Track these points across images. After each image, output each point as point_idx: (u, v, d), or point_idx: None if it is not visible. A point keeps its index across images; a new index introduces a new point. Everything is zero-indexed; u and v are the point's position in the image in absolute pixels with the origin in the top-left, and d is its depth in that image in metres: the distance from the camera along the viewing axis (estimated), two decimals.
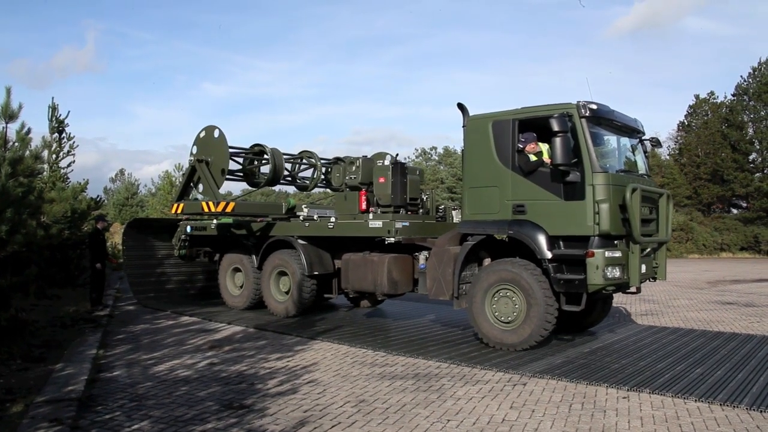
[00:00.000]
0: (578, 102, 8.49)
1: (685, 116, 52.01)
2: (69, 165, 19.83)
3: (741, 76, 50.10)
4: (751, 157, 47.91)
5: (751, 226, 44.70)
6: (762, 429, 5.47)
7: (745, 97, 48.38)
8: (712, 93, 50.95)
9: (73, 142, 19.76)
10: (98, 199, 21.28)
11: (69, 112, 19.32)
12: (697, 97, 51.37)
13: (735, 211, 50.14)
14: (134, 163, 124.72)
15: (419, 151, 60.01)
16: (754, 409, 6.00)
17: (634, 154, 9.66)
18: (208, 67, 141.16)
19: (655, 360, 8.17)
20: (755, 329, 10.98)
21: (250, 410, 6.04)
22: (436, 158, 59.25)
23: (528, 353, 8.60)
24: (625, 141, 9.55)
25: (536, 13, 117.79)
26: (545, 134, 8.61)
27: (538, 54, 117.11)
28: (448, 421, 5.72)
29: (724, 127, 48.19)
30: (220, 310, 13.18)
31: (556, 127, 8.13)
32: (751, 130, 47.91)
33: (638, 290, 9.02)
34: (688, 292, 17.36)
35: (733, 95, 49.40)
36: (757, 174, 47.17)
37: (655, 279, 9.57)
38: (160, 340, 9.89)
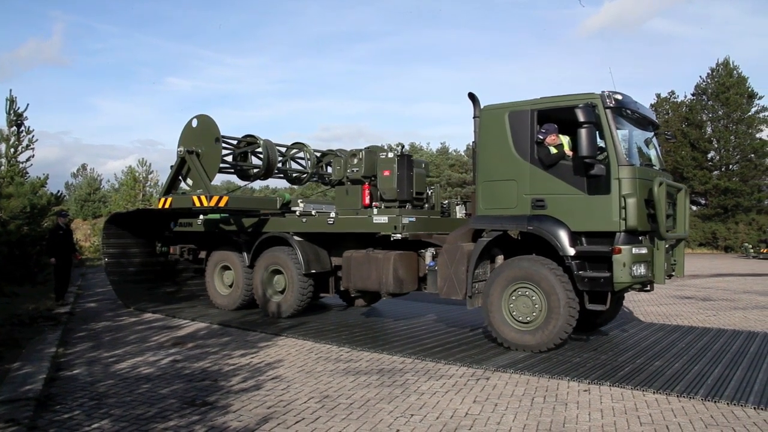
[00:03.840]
0: (603, 92, 8.14)
1: None
2: (28, 159, 19.30)
3: (700, 77, 51.34)
4: (709, 156, 49.02)
5: (709, 223, 45.83)
6: (716, 419, 5.62)
7: (703, 97, 49.50)
8: (672, 92, 52.08)
9: (32, 136, 19.24)
10: (59, 194, 20.80)
11: (28, 105, 18.79)
12: (658, 96, 52.37)
13: (694, 207, 51.23)
14: (98, 158, 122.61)
15: (385, 147, 60.05)
16: (708, 400, 6.16)
17: (648, 148, 9.20)
18: (174, 61, 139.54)
19: (615, 354, 8.32)
20: (711, 323, 11.26)
21: (213, 407, 5.98)
22: None
23: (492, 348, 8.69)
24: (642, 133, 9.04)
25: (505, 12, 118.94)
26: (565, 125, 8.42)
27: (506, 52, 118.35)
28: (412, 415, 5.75)
29: (684, 125, 49.22)
30: (184, 306, 13.01)
31: (582, 118, 7.78)
32: (709, 129, 49.02)
33: (651, 288, 8.69)
34: None
35: (693, 95, 50.54)
36: (715, 172, 48.32)
37: (671, 276, 9.09)
38: (122, 338, 9.74)
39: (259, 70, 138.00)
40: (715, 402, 6.12)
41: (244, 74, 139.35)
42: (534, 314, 8.32)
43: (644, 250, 7.97)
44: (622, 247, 7.75)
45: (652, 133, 9.33)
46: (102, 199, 59.08)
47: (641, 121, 8.92)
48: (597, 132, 8.04)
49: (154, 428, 5.38)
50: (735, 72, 48.11)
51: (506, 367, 7.56)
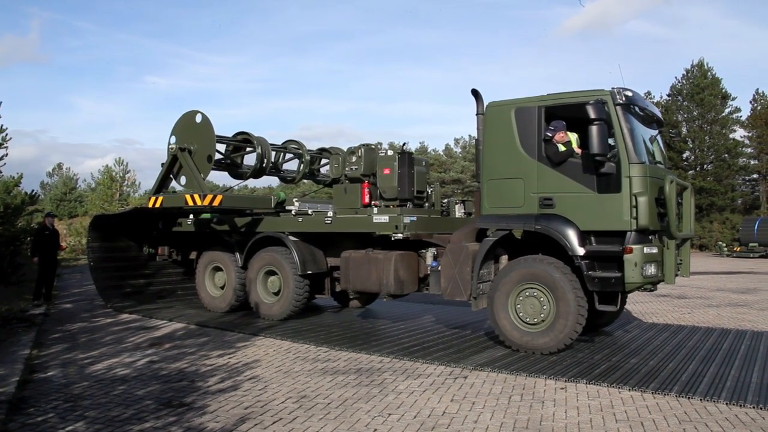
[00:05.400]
0: (613, 88, 7.99)
1: None
2: (1, 158, 18.98)
3: (675, 78, 52.02)
4: (684, 155, 49.70)
5: None
6: (689, 415, 5.71)
7: (679, 97, 50.10)
8: (648, 93, 52.51)
9: (6, 134, 18.93)
10: (34, 193, 20.52)
11: (0, 102, 18.54)
12: None
13: None
14: (76, 156, 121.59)
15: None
16: (682, 396, 6.25)
17: (653, 146, 8.88)
18: (153, 59, 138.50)
19: (591, 351, 8.39)
20: (686, 320, 11.41)
21: (189, 408, 5.94)
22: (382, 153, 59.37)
23: (470, 347, 8.73)
24: (648, 131, 8.74)
25: (485, 12, 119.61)
26: (572, 122, 8.29)
27: (486, 51, 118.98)
28: (390, 415, 5.76)
29: None
30: (161, 306, 12.87)
31: (593, 115, 7.63)
32: (684, 129, 49.68)
33: (655, 288, 8.48)
34: None
35: (668, 95, 51.16)
36: (690, 171, 48.92)
37: (675, 276, 8.65)
38: (98, 339, 9.63)
39: (238, 69, 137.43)
40: (689, 398, 6.20)
41: (224, 73, 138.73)
42: (542, 315, 8.15)
43: (655, 250, 7.85)
44: (633, 246, 7.61)
45: (657, 131, 9.15)
46: (78, 198, 58.47)
47: (648, 119, 8.75)
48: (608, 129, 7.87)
49: (130, 430, 5.33)
50: (709, 73, 48.82)
51: (484, 365, 7.59)
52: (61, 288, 17.28)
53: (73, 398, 6.30)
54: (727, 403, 6.02)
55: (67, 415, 5.74)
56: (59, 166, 72.14)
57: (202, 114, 11.20)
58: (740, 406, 5.95)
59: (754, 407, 5.90)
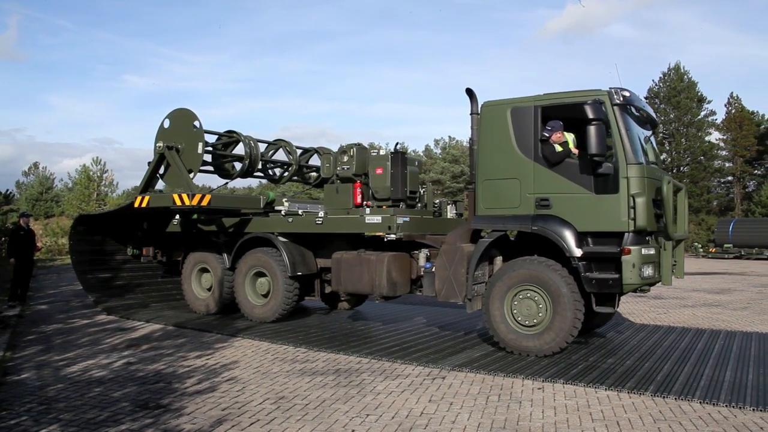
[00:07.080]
0: (610, 88, 7.92)
1: None
2: None
3: (652, 80, 52.71)
4: (662, 158, 50.29)
5: None
6: (664, 414, 5.78)
7: (656, 100, 50.75)
8: None
9: None
10: (8, 193, 20.28)
11: None
12: None
13: None
14: (53, 156, 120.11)
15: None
16: (657, 396, 6.33)
17: (647, 146, 8.74)
18: (132, 59, 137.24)
19: (569, 352, 8.44)
20: (662, 320, 11.56)
21: (166, 410, 5.90)
22: None
23: (448, 348, 8.75)
24: (642, 131, 8.62)
25: (467, 13, 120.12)
26: (569, 122, 8.19)
27: (467, 53, 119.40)
28: (368, 415, 5.76)
29: None
30: (139, 305, 12.68)
31: (591, 115, 7.59)
32: (661, 132, 50.30)
33: (649, 289, 8.41)
34: None
35: (646, 98, 51.72)
36: (668, 173, 49.60)
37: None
38: (74, 340, 9.52)
39: (218, 69, 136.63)
40: (664, 398, 6.28)
41: (203, 72, 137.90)
42: (538, 317, 8.08)
43: (652, 251, 7.82)
44: (631, 247, 7.56)
45: (651, 132, 9.09)
46: (55, 198, 57.81)
47: (643, 119, 8.68)
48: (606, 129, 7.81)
49: None
50: (686, 77, 49.61)
51: (462, 366, 7.62)
52: (36, 289, 17.04)
53: (47, 401, 6.22)
54: (701, 402, 6.11)
55: (41, 418, 5.66)
56: (35, 165, 71.43)
57: (169, 118, 11.07)
58: (713, 404, 6.04)
59: (726, 406, 5.99)
